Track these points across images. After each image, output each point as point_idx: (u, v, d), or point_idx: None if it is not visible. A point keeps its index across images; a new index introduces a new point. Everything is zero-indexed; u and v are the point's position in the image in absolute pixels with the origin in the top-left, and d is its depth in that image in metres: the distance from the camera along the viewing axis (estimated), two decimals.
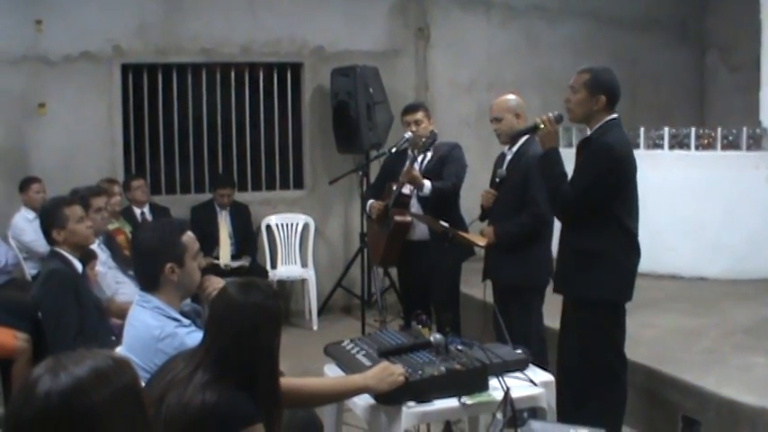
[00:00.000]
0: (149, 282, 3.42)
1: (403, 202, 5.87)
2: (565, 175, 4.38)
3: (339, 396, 3.51)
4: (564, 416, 4.52)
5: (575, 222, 4.41)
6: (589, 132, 4.47)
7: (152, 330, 3.27)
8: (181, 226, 3.56)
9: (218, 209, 8.33)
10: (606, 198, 4.30)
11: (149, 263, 3.40)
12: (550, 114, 4.45)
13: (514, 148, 5.27)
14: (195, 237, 3.52)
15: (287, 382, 3.19)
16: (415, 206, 5.87)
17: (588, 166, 4.32)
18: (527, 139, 5.18)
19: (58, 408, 1.68)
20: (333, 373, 3.83)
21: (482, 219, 5.41)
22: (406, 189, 5.86)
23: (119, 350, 3.53)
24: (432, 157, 5.90)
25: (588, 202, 4.30)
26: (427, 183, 5.68)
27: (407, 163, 5.72)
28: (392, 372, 3.38)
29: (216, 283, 3.59)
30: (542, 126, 4.41)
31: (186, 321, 3.37)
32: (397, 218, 5.82)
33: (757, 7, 8.07)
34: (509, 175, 5.23)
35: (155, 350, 3.19)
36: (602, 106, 4.36)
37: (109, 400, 1.72)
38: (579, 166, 4.39)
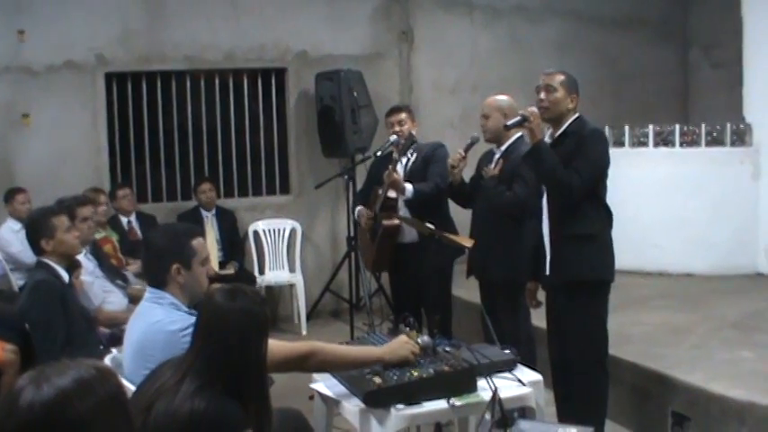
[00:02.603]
0: (156, 280, 3.47)
1: (390, 206, 5.87)
2: (559, 162, 4.45)
3: (358, 364, 3.58)
4: (562, 414, 4.61)
5: (572, 208, 4.48)
6: (553, 131, 4.62)
7: (173, 324, 3.29)
8: (192, 230, 3.68)
9: (204, 214, 8.32)
10: (601, 180, 4.53)
11: (157, 260, 3.47)
12: (535, 109, 4.52)
13: (503, 147, 5.35)
14: (205, 244, 3.60)
15: (312, 345, 3.47)
16: (402, 209, 5.88)
17: (587, 150, 4.46)
18: (516, 139, 5.32)
19: (42, 419, 1.67)
20: (322, 378, 3.83)
21: (452, 187, 5.51)
22: (392, 192, 5.87)
23: (118, 353, 3.62)
24: (416, 158, 5.92)
25: (592, 184, 4.47)
26: (409, 186, 5.70)
27: (389, 168, 5.74)
28: (404, 344, 3.59)
29: None
30: (532, 118, 4.48)
31: None
32: (385, 222, 5.83)
33: (739, 4, 8.12)
34: (498, 174, 5.28)
35: (180, 343, 3.16)
36: (574, 105, 4.56)
37: (93, 410, 1.71)
38: (571, 154, 4.46)
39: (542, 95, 4.54)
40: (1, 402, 1.74)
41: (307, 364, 3.44)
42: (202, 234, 3.63)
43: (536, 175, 4.69)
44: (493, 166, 5.33)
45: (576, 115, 4.56)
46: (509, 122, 4.70)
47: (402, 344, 3.60)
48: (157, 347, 3.23)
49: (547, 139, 4.61)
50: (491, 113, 5.33)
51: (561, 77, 4.54)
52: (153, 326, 3.34)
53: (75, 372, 1.74)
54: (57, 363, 1.78)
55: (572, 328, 4.56)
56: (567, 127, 4.54)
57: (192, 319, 3.26)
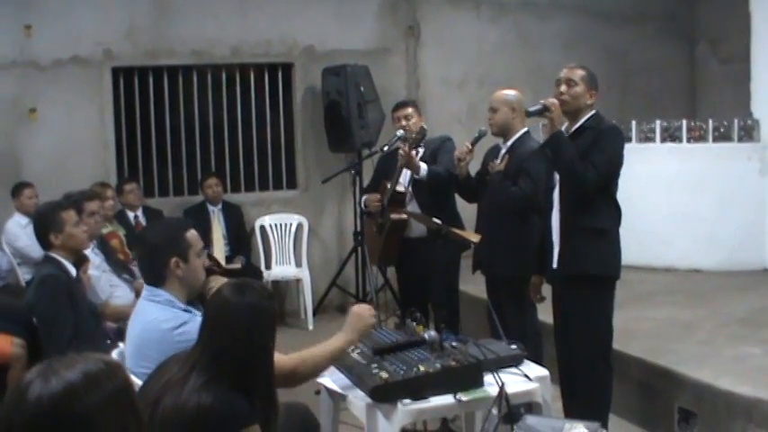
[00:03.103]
0: (155, 276, 3.47)
1: (398, 200, 5.87)
2: (576, 155, 4.44)
3: (337, 357, 3.59)
4: (568, 410, 4.61)
5: (584, 202, 4.48)
6: (569, 125, 4.58)
7: (166, 323, 3.31)
8: (185, 223, 3.68)
9: (210, 209, 8.33)
10: (614, 176, 4.52)
11: (155, 257, 3.47)
12: (555, 100, 4.49)
13: (509, 142, 5.34)
14: (198, 235, 3.60)
15: (293, 359, 3.39)
16: (410, 203, 5.88)
17: (604, 145, 4.45)
18: (522, 134, 5.33)
19: (50, 412, 1.68)
20: (328, 373, 3.83)
21: (458, 181, 5.47)
22: (401, 187, 5.86)
23: (124, 347, 3.60)
24: (424, 152, 5.91)
25: (606, 179, 4.47)
26: (423, 165, 5.69)
27: (404, 148, 5.70)
28: (361, 315, 3.60)
29: (221, 283, 3.62)
30: (553, 108, 4.46)
31: (197, 312, 3.41)
32: (393, 216, 5.83)
33: None
34: (503, 169, 5.27)
35: (173, 341, 3.20)
36: (592, 101, 4.56)
37: (100, 404, 1.72)
38: (588, 148, 4.44)
39: (563, 88, 4.53)
40: (9, 396, 1.74)
41: (293, 379, 3.41)
42: (194, 226, 3.63)
43: (553, 165, 4.64)
44: (499, 161, 5.32)
45: (593, 111, 4.56)
46: (531, 109, 4.64)
47: (358, 318, 3.61)
48: (153, 346, 3.26)
49: None
50: (499, 107, 5.32)
51: (582, 73, 4.55)
52: (148, 324, 3.36)
53: (83, 365, 1.75)
54: (65, 357, 1.78)
55: (577, 322, 4.56)
56: (584, 122, 4.53)
57: (186, 316, 3.30)
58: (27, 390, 1.70)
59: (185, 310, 3.39)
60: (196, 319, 3.29)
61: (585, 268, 4.50)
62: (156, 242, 3.50)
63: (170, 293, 3.42)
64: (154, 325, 3.33)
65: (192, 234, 3.53)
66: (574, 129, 4.56)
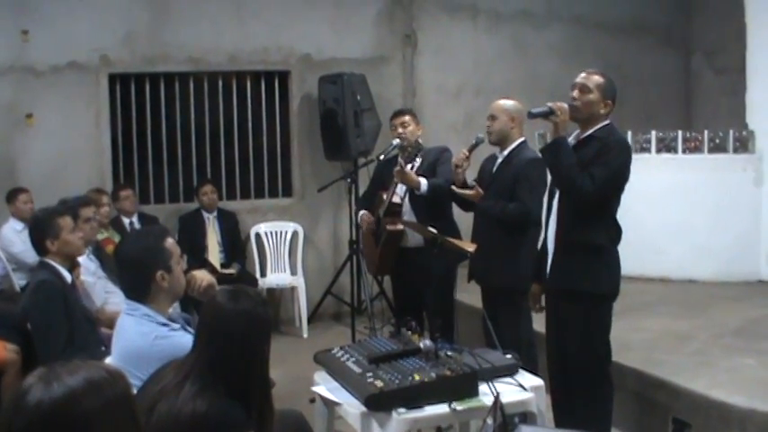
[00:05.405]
0: (139, 291, 3.40)
1: (394, 211, 5.86)
2: (576, 163, 4.31)
3: None
4: (559, 419, 4.58)
5: (582, 217, 4.37)
6: (580, 132, 4.47)
7: (144, 337, 3.27)
8: (162, 233, 3.56)
9: (205, 216, 8.32)
10: (617, 192, 4.40)
11: (139, 273, 3.39)
12: (564, 105, 4.36)
13: (506, 151, 5.34)
14: (174, 242, 3.54)
15: None
16: (406, 213, 5.87)
17: (608, 159, 4.30)
18: (519, 144, 5.33)
19: (49, 417, 1.68)
20: (323, 381, 3.83)
21: (455, 183, 5.43)
22: (397, 198, 5.86)
23: (108, 361, 3.54)
24: (422, 163, 5.90)
25: (605, 193, 4.33)
26: (423, 180, 5.67)
27: (399, 165, 5.70)
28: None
29: (201, 276, 3.60)
30: (559, 113, 4.32)
31: (176, 325, 3.39)
32: (389, 227, 5.82)
33: (742, 10, 8.12)
34: (498, 178, 5.27)
35: (149, 357, 3.18)
36: (607, 111, 4.41)
37: (100, 411, 1.71)
38: (593, 158, 4.31)
39: (575, 94, 4.38)
40: (9, 400, 1.74)
41: None
42: (177, 235, 3.60)
43: (550, 172, 4.54)
44: (495, 169, 5.32)
45: (607, 122, 4.41)
46: (534, 110, 4.44)
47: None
48: (130, 362, 3.22)
49: (571, 140, 4.44)
50: (498, 115, 5.31)
51: (600, 80, 4.40)
52: (127, 340, 3.34)
53: (85, 372, 1.75)
54: (68, 362, 1.78)
55: (571, 336, 4.47)
56: (595, 131, 4.38)
57: (164, 331, 3.29)
58: (27, 394, 1.70)
59: (163, 324, 3.34)
60: (173, 334, 3.30)
61: (576, 284, 4.40)
62: (137, 258, 3.41)
63: (150, 308, 3.37)
64: (133, 340, 3.30)
65: (170, 242, 3.46)
66: (583, 137, 4.42)
